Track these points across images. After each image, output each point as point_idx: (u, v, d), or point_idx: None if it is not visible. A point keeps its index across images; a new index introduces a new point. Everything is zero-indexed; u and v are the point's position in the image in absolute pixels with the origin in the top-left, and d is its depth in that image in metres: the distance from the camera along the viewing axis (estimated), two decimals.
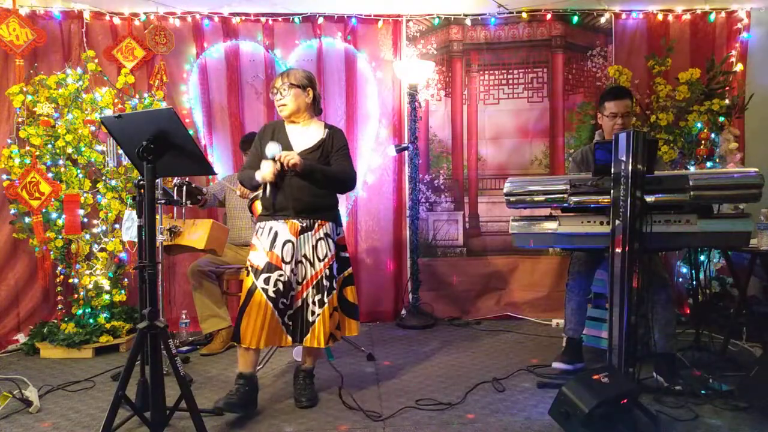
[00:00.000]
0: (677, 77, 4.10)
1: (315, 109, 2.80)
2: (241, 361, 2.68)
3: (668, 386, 2.73)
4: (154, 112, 2.28)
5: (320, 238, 2.66)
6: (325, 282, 2.64)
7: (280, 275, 2.57)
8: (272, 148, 2.56)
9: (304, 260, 2.63)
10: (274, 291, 2.55)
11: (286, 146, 2.66)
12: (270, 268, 2.57)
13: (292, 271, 2.60)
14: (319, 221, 2.67)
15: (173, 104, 4.20)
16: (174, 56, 4.28)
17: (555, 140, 4.50)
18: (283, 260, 2.59)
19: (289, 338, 2.60)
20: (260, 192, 2.75)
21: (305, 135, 2.73)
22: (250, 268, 2.61)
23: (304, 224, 2.64)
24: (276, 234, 2.62)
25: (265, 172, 2.57)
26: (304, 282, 2.63)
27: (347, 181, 2.76)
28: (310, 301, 2.62)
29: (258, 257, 2.60)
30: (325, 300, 2.62)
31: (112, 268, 3.88)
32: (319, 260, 2.65)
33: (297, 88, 2.68)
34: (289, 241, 2.61)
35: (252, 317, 2.53)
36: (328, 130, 2.77)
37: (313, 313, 2.62)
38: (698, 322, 3.50)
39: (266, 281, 2.55)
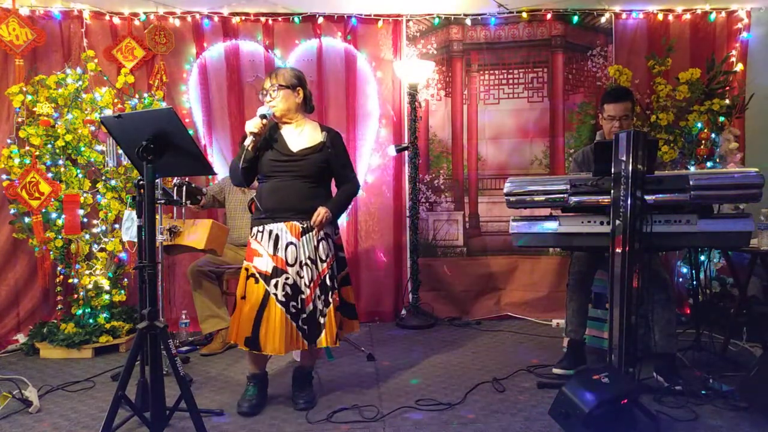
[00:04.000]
0: (677, 77, 4.10)
1: (306, 107, 2.77)
2: (254, 363, 2.73)
3: (668, 386, 2.73)
4: (154, 112, 2.28)
5: (321, 239, 2.66)
6: (328, 282, 2.64)
7: (287, 278, 2.56)
8: (263, 109, 2.62)
9: (309, 263, 2.60)
10: (283, 295, 2.54)
11: (283, 146, 2.65)
12: (277, 272, 2.56)
13: (297, 273, 2.58)
14: None
15: (173, 104, 4.19)
16: (174, 56, 4.28)
17: (555, 140, 4.50)
18: (287, 263, 2.58)
19: (305, 342, 2.58)
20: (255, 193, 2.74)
21: (301, 135, 2.71)
22: (258, 275, 2.56)
23: (305, 225, 2.62)
24: (277, 237, 2.60)
25: (252, 124, 2.57)
26: (312, 284, 2.60)
27: (356, 194, 2.97)
28: (319, 304, 2.61)
29: (263, 262, 2.57)
30: (330, 300, 2.62)
31: (112, 268, 3.88)
32: (322, 261, 2.64)
33: (286, 89, 2.65)
34: (292, 243, 2.59)
35: (271, 324, 2.51)
36: (326, 132, 2.74)
37: (323, 314, 2.61)
38: (698, 322, 3.50)
39: (275, 286, 2.54)
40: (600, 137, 3.27)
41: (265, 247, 2.59)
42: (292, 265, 2.58)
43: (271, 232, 2.61)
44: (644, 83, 4.34)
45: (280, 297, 2.54)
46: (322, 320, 2.61)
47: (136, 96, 4.03)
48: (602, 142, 2.68)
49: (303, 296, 2.58)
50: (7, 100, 3.81)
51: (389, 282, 4.52)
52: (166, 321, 2.55)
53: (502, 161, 4.55)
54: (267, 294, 2.54)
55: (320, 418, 2.57)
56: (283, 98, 2.65)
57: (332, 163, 2.72)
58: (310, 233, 2.63)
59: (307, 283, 2.59)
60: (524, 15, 4.41)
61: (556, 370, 3.08)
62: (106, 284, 3.80)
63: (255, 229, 2.66)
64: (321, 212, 2.62)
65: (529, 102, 4.52)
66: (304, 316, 2.58)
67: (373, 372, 3.24)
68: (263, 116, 2.59)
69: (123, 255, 3.92)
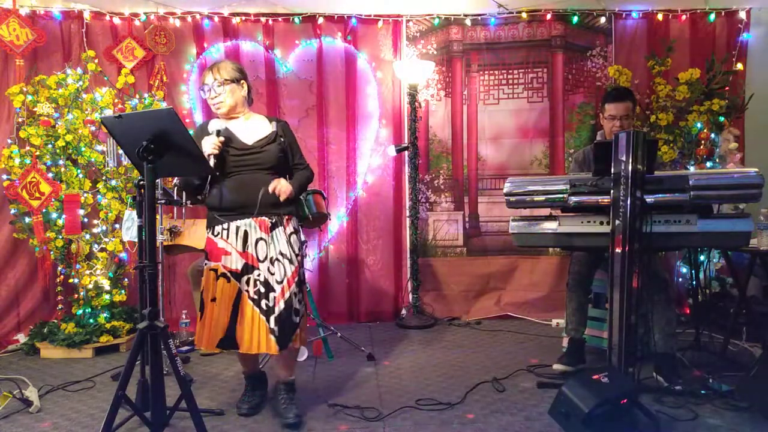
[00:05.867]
0: (677, 77, 4.10)
1: (248, 100, 2.68)
2: (245, 363, 2.71)
3: (668, 386, 2.74)
4: (154, 112, 2.28)
5: (291, 233, 2.59)
6: (301, 277, 2.62)
7: (258, 275, 2.48)
8: (216, 125, 2.54)
9: (281, 257, 2.49)
10: (255, 292, 2.46)
11: (237, 141, 2.54)
12: (247, 269, 2.48)
13: (268, 269, 2.47)
14: (286, 216, 2.59)
15: (173, 104, 4.19)
16: (174, 56, 4.28)
17: (555, 140, 4.50)
18: (258, 259, 2.48)
19: (277, 347, 2.40)
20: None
21: (251, 127, 2.62)
22: (229, 274, 2.46)
23: (274, 220, 2.53)
24: (246, 233, 2.49)
25: (210, 145, 2.43)
26: (285, 281, 2.47)
27: (312, 180, 2.80)
28: (295, 303, 2.50)
29: (232, 260, 2.47)
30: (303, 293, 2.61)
31: (112, 268, 3.88)
32: (296, 255, 2.57)
33: (231, 83, 2.55)
34: (261, 238, 2.49)
35: (246, 323, 2.45)
36: (275, 122, 2.66)
37: (297, 313, 2.51)
38: (698, 322, 3.50)
39: (247, 282, 2.47)
40: (600, 137, 3.27)
41: (234, 245, 2.48)
42: (262, 261, 2.48)
43: (238, 228, 2.49)
44: (644, 83, 4.35)
45: (252, 294, 2.46)
46: (297, 320, 2.50)
47: (137, 96, 4.04)
48: (602, 142, 2.68)
49: (274, 294, 2.45)
50: (8, 101, 3.82)
51: (389, 282, 4.52)
52: (166, 321, 2.55)
53: (502, 161, 4.55)
54: (240, 291, 2.47)
55: (320, 418, 2.57)
56: (229, 93, 2.55)
57: (287, 153, 2.65)
58: (280, 228, 2.54)
59: (279, 280, 2.46)
60: (524, 15, 4.42)
61: (556, 366, 3.09)
62: (106, 284, 3.81)
63: (219, 227, 2.51)
64: (282, 181, 2.52)
65: (528, 102, 4.53)
66: (275, 315, 2.43)
67: (373, 372, 3.24)
68: (218, 132, 2.48)
69: (123, 255, 3.92)
